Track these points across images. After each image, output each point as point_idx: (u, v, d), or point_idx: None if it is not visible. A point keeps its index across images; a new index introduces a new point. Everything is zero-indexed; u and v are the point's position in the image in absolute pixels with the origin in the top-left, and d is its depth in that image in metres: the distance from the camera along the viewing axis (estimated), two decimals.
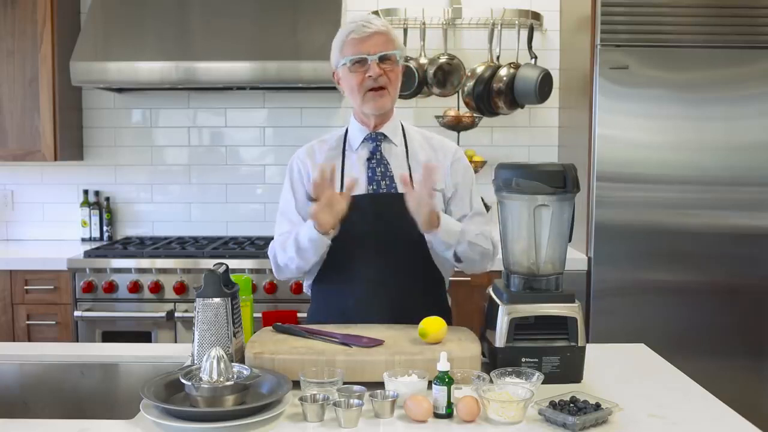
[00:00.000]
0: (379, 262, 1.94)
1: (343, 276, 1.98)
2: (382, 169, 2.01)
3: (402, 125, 2.10)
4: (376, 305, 1.92)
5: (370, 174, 2.01)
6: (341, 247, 1.96)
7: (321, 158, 2.05)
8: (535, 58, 3.53)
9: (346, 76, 1.99)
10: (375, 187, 2.00)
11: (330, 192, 1.83)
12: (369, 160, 2.03)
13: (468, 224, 2.00)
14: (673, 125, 3.15)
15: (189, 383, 1.46)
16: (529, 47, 3.54)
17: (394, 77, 1.98)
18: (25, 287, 3.21)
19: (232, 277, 1.79)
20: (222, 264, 1.75)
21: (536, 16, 3.64)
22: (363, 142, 2.05)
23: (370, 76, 1.94)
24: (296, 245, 1.94)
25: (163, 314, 3.13)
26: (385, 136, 2.05)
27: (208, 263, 3.02)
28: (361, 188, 1.99)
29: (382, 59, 1.95)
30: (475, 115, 3.53)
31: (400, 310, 1.88)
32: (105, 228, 3.77)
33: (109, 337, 3.16)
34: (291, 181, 2.09)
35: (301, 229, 1.94)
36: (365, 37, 1.95)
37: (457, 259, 2.00)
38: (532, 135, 3.79)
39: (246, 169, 3.82)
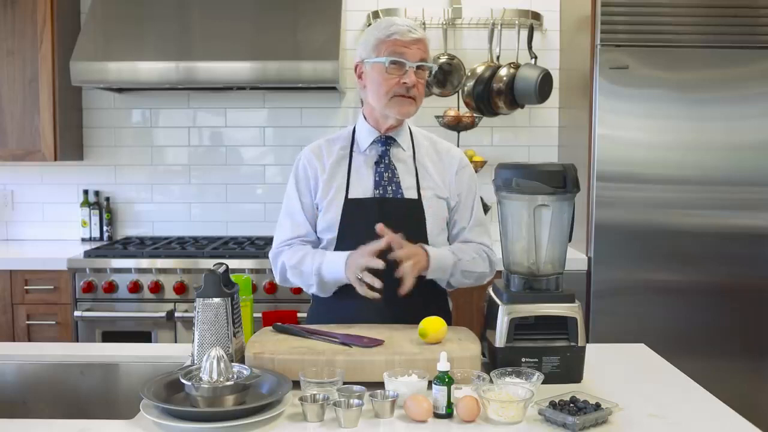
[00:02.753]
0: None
1: None
2: (390, 174, 2.01)
3: (410, 129, 2.10)
4: (378, 310, 1.91)
5: (377, 178, 2.00)
6: (346, 251, 1.96)
7: (329, 157, 2.05)
8: (535, 58, 3.53)
9: (379, 75, 1.94)
10: (381, 192, 1.99)
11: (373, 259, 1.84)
12: (377, 163, 2.02)
13: (465, 250, 2.02)
14: (673, 125, 3.15)
15: (189, 383, 1.46)
16: (529, 47, 3.54)
17: (422, 89, 1.98)
18: (25, 287, 3.21)
19: (232, 277, 1.79)
20: (222, 264, 1.75)
21: (536, 16, 3.64)
22: (372, 144, 2.04)
23: (405, 83, 1.92)
24: (319, 279, 1.95)
25: (163, 314, 3.13)
26: (394, 140, 2.04)
27: (208, 263, 3.02)
28: (368, 192, 2.00)
29: (419, 68, 1.94)
30: (475, 115, 3.53)
31: (402, 316, 1.88)
32: (105, 228, 3.77)
33: (109, 337, 3.16)
34: (296, 182, 2.07)
35: (324, 265, 1.94)
36: (409, 42, 1.92)
37: (449, 285, 2.04)
38: (532, 135, 3.79)
39: (246, 169, 3.82)
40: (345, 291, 1.96)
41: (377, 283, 1.82)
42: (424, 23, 3.53)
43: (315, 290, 2.00)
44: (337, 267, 1.91)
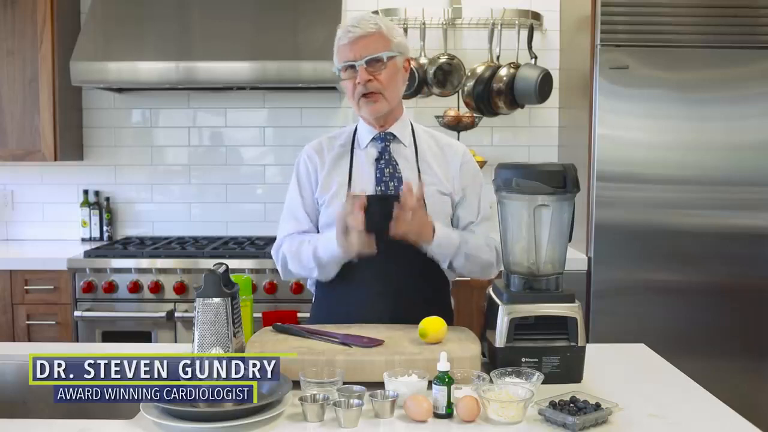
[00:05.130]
0: (385, 264, 1.92)
1: (348, 277, 1.97)
2: (391, 170, 2.01)
3: (411, 124, 2.10)
4: (380, 307, 1.91)
5: (378, 175, 2.00)
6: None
7: (329, 153, 2.05)
8: (535, 58, 3.53)
9: (344, 82, 1.99)
10: (383, 189, 1.99)
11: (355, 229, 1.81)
12: (378, 160, 2.02)
13: (471, 235, 2.00)
14: (673, 125, 3.15)
15: None
16: (529, 47, 3.54)
17: (385, 79, 1.94)
18: (25, 287, 3.21)
19: (232, 277, 1.79)
20: (222, 264, 1.76)
21: (536, 16, 3.64)
22: (372, 141, 2.04)
23: (359, 83, 1.93)
24: (317, 261, 1.94)
25: (163, 314, 3.13)
26: (394, 136, 2.04)
27: (208, 263, 3.02)
28: (369, 189, 1.99)
29: (370, 62, 1.93)
30: (475, 115, 3.53)
31: (404, 313, 1.87)
32: (105, 228, 3.77)
33: (109, 337, 3.16)
34: (298, 178, 2.07)
35: (319, 244, 1.93)
36: (351, 43, 1.93)
37: (453, 269, 2.02)
38: (532, 135, 3.79)
39: (246, 169, 3.82)
40: (345, 290, 1.97)
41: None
42: (424, 23, 3.53)
43: (316, 274, 1.99)
44: (331, 243, 1.90)
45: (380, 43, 1.94)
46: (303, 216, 2.05)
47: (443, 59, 3.53)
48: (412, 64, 3.40)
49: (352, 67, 1.94)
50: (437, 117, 3.54)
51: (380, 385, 1.53)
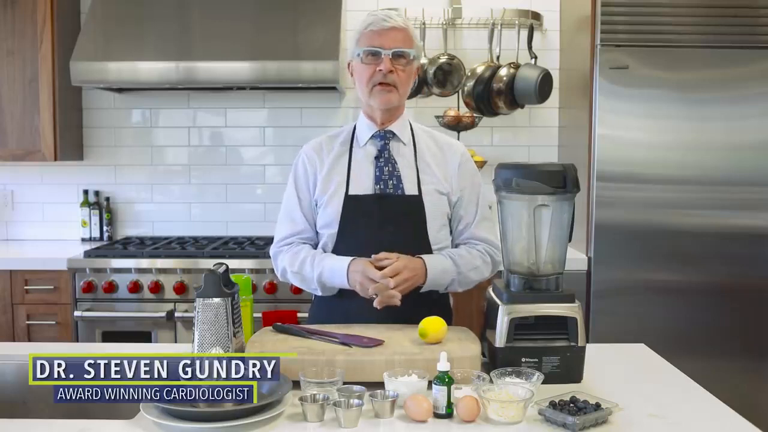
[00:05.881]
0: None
1: None
2: (390, 169, 2.00)
3: (410, 124, 2.10)
4: (378, 310, 1.90)
5: (377, 173, 2.00)
6: (346, 248, 1.96)
7: (329, 153, 2.05)
8: (535, 58, 3.53)
9: (358, 68, 1.98)
10: (382, 187, 1.98)
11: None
12: (377, 158, 2.01)
13: (465, 258, 2.01)
14: (673, 125, 3.15)
15: None
16: (529, 47, 3.54)
17: (404, 76, 1.97)
18: (25, 287, 3.21)
19: (232, 277, 1.79)
20: (222, 264, 1.76)
21: (536, 16, 3.64)
22: (371, 138, 2.04)
23: (380, 71, 1.93)
24: (321, 284, 1.97)
25: (163, 314, 3.13)
26: (394, 134, 2.04)
27: (208, 263, 3.02)
28: (368, 188, 1.99)
29: (396, 56, 1.94)
30: (475, 115, 3.53)
31: (404, 313, 1.87)
32: (105, 228, 3.77)
33: (109, 337, 3.16)
34: (295, 179, 2.07)
35: (325, 271, 1.94)
36: (383, 31, 1.94)
37: (445, 289, 2.05)
38: (532, 135, 3.79)
39: (246, 169, 3.82)
40: (345, 290, 1.96)
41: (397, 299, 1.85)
42: (424, 23, 3.53)
43: (320, 293, 2.01)
44: (339, 276, 1.92)
45: (408, 41, 1.97)
46: (300, 217, 2.04)
47: (443, 59, 3.53)
48: None
49: (376, 54, 1.94)
50: (437, 117, 3.54)
51: (380, 385, 1.53)
